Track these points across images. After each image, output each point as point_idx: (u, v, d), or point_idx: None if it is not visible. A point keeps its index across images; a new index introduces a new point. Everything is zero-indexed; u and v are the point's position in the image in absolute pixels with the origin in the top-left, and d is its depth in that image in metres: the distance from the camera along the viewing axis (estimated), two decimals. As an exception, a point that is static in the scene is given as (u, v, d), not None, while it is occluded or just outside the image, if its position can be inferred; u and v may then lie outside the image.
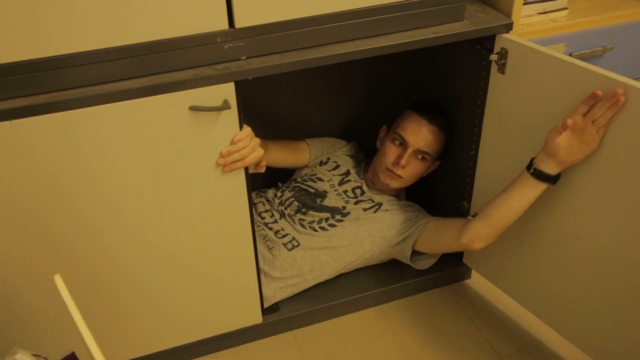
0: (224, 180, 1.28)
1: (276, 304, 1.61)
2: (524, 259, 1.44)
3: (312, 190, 1.65)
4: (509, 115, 1.35)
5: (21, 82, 1.06)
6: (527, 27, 1.52)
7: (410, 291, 1.63)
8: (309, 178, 1.69)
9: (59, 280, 0.87)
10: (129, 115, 1.13)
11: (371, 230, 1.59)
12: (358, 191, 1.66)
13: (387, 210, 1.62)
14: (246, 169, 1.29)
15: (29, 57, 1.05)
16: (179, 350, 1.53)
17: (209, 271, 1.41)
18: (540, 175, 1.25)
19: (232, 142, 1.22)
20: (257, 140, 1.28)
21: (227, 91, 1.16)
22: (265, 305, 1.57)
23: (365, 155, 1.83)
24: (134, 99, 1.12)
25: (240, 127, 1.23)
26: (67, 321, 0.82)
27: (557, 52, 1.55)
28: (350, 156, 1.78)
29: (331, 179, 1.68)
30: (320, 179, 1.68)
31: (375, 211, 1.61)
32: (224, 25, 1.13)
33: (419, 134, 1.58)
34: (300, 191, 1.66)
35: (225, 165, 1.25)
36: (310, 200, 1.63)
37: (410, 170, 1.61)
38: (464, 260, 1.71)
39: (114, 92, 1.10)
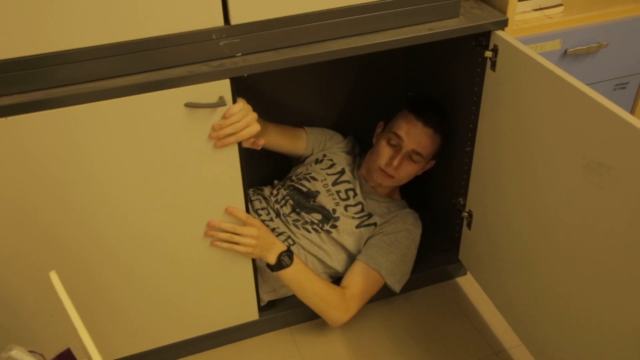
0: (220, 176, 1.28)
1: (273, 300, 1.61)
2: (515, 275, 1.44)
3: (305, 190, 1.64)
4: (502, 112, 1.35)
5: (16, 79, 1.06)
6: (522, 23, 1.52)
7: (406, 287, 1.63)
8: (304, 177, 1.68)
9: (54, 277, 0.87)
10: (125, 112, 1.13)
11: (355, 245, 1.60)
12: (351, 193, 1.65)
13: (373, 224, 1.61)
14: (242, 167, 1.29)
15: (24, 54, 1.04)
16: (175, 347, 1.53)
17: (205, 267, 1.41)
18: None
19: (224, 117, 1.20)
20: (253, 115, 1.26)
21: (223, 88, 1.16)
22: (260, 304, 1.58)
23: (361, 149, 1.82)
24: (130, 95, 1.11)
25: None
26: (64, 318, 0.82)
27: (552, 48, 1.56)
28: (347, 152, 1.77)
29: (325, 179, 1.67)
30: (314, 178, 1.66)
31: (360, 224, 1.60)
32: (219, 22, 1.13)
33: (413, 135, 1.57)
34: (295, 190, 1.65)
35: (217, 139, 1.22)
36: (304, 200, 1.62)
37: (402, 170, 1.60)
38: (460, 258, 1.72)
39: (109, 89, 1.10)
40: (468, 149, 1.52)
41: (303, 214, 1.60)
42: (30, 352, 0.92)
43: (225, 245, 1.37)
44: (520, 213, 1.35)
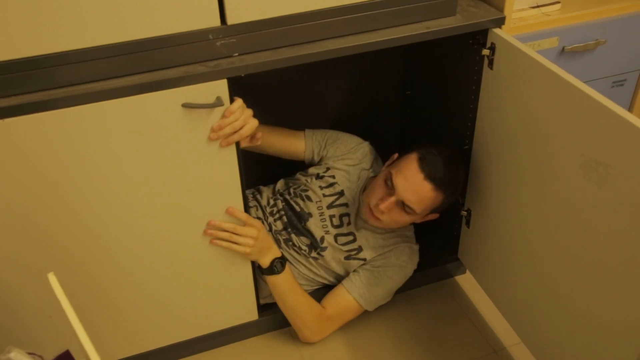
0: (218, 176, 1.28)
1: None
2: (515, 274, 1.44)
3: (298, 210, 1.58)
4: (500, 110, 1.35)
5: (14, 80, 1.06)
6: (519, 21, 1.52)
7: (405, 286, 1.63)
8: (299, 194, 1.60)
9: (52, 279, 0.87)
10: (122, 113, 1.13)
11: (343, 270, 1.59)
12: (345, 219, 1.57)
13: (363, 259, 1.55)
14: (240, 167, 1.29)
15: (21, 55, 1.04)
16: (175, 347, 1.53)
17: (205, 267, 1.41)
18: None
19: (224, 116, 1.20)
20: (249, 112, 1.25)
21: (220, 88, 1.16)
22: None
23: (375, 162, 1.68)
24: (127, 96, 1.11)
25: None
26: (63, 319, 0.82)
27: (549, 46, 1.56)
28: (354, 167, 1.62)
29: (320, 200, 1.57)
30: (309, 198, 1.58)
31: (349, 257, 1.56)
32: (216, 22, 1.13)
33: (410, 186, 1.39)
34: (288, 205, 1.60)
35: (219, 139, 1.22)
36: (296, 220, 1.57)
37: (390, 217, 1.44)
38: (459, 256, 1.72)
39: (107, 90, 1.10)
40: (466, 147, 1.52)
41: (293, 235, 1.56)
42: (29, 354, 0.92)
43: (225, 244, 1.37)
44: (519, 211, 1.35)
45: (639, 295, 1.05)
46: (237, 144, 1.26)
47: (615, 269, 1.10)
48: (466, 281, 1.78)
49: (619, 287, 1.10)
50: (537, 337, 1.39)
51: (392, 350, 1.58)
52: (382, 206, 1.41)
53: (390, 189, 1.42)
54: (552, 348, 1.35)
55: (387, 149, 1.68)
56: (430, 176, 1.38)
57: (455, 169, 1.45)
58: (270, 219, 1.60)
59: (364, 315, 1.60)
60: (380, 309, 1.61)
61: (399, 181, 1.40)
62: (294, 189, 1.63)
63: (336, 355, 1.58)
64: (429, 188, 1.39)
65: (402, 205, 1.42)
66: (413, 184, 1.39)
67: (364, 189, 1.60)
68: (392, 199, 1.41)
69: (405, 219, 1.46)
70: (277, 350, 1.61)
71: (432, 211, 1.47)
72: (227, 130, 1.21)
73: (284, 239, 1.57)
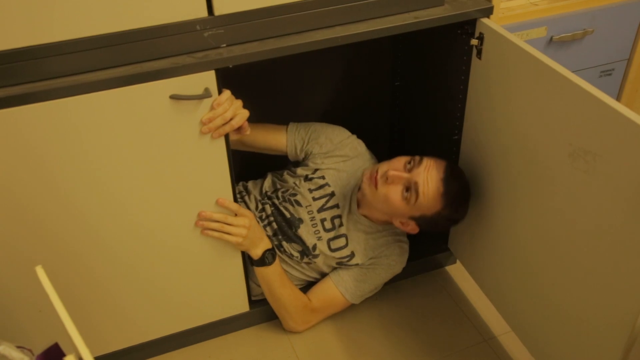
0: (208, 167, 1.28)
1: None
2: (504, 263, 1.45)
3: (288, 216, 1.54)
4: (488, 100, 1.35)
5: (1, 72, 1.05)
6: (507, 11, 1.52)
7: (396, 277, 1.64)
8: (288, 198, 1.55)
9: (40, 272, 0.87)
10: (111, 105, 1.12)
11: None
12: (337, 221, 1.54)
13: (355, 265, 1.54)
14: (229, 157, 1.29)
15: (8, 47, 1.03)
16: (166, 340, 1.53)
17: (195, 259, 1.41)
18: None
19: (212, 107, 1.19)
20: (239, 102, 1.24)
21: (208, 79, 1.16)
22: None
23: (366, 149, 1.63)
24: (114, 88, 1.11)
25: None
26: (53, 313, 0.82)
27: (537, 35, 1.57)
28: (345, 162, 1.59)
29: (310, 205, 1.54)
30: (299, 203, 1.54)
31: (341, 263, 1.55)
32: (203, 13, 1.13)
33: (427, 183, 1.37)
34: (278, 211, 1.55)
35: (210, 131, 1.21)
36: (286, 227, 1.54)
37: (386, 190, 1.40)
38: (449, 246, 1.73)
39: (94, 81, 1.09)
40: (455, 137, 1.52)
41: (284, 242, 1.54)
42: (19, 347, 0.92)
43: (216, 234, 1.36)
44: (508, 201, 1.36)
45: (625, 283, 1.06)
46: (227, 135, 1.26)
47: (603, 257, 1.10)
48: (456, 271, 1.79)
49: (607, 277, 1.11)
50: (527, 325, 1.41)
51: (383, 340, 1.59)
52: (392, 173, 1.37)
53: (409, 171, 1.38)
54: (541, 336, 1.36)
55: (376, 141, 1.68)
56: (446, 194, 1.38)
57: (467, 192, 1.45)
58: (260, 225, 1.55)
59: (354, 305, 1.61)
60: (371, 298, 1.62)
61: (420, 178, 1.37)
62: (282, 192, 1.58)
63: (327, 345, 1.58)
64: (440, 197, 1.38)
65: (406, 190, 1.38)
66: (431, 187, 1.37)
67: (358, 188, 1.53)
68: (405, 175, 1.37)
69: (396, 203, 1.39)
70: (269, 341, 1.61)
71: (418, 219, 1.43)
72: (218, 121, 1.21)
73: (275, 245, 1.54)
